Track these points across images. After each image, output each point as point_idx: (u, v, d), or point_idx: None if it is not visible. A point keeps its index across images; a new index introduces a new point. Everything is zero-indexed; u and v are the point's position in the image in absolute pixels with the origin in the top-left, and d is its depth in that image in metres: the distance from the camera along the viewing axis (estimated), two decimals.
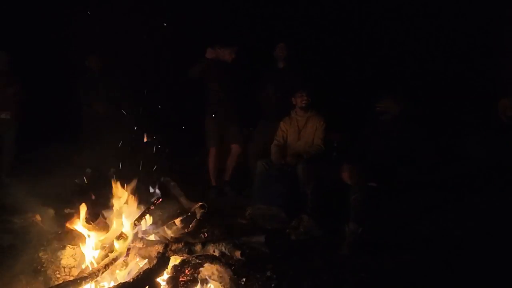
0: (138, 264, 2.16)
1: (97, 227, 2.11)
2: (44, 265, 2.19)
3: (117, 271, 2.11)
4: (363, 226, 2.60)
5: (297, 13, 5.05)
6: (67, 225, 2.14)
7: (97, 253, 2.11)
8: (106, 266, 1.96)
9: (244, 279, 2.13)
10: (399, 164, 2.93)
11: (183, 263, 2.15)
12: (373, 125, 3.24)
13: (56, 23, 4.91)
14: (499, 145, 3.15)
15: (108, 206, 2.43)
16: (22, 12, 4.96)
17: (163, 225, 2.67)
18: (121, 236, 2.06)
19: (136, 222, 2.31)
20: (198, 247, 2.11)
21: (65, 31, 4.90)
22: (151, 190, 2.66)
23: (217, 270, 2.15)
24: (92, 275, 1.88)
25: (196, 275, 2.08)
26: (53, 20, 4.93)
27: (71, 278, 1.98)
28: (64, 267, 2.15)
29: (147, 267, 1.91)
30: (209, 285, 2.07)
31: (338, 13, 4.83)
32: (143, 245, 2.22)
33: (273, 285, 2.12)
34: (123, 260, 2.14)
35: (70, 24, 4.83)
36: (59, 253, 2.19)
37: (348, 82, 4.43)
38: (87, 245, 2.18)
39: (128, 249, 2.13)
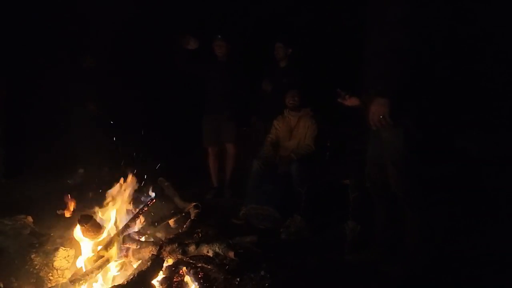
0: (132, 266, 2.15)
1: (90, 229, 2.10)
2: (36, 267, 2.17)
3: (110, 273, 2.11)
4: (362, 224, 2.62)
5: (301, 10, 5.00)
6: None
7: (90, 255, 2.10)
8: (100, 268, 1.96)
9: (238, 279, 2.14)
10: None
11: (177, 264, 2.15)
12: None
13: (52, 22, 4.86)
14: (492, 143, 3.21)
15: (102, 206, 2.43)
16: (14, 9, 4.89)
17: (157, 226, 2.67)
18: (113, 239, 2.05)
19: (129, 223, 2.30)
20: (192, 248, 2.11)
21: (60, 30, 4.85)
22: (149, 192, 2.64)
23: (211, 270, 2.16)
24: (85, 277, 1.87)
25: (190, 275, 2.08)
26: (49, 19, 4.87)
27: (64, 280, 1.97)
28: (57, 269, 2.13)
29: (141, 269, 1.91)
30: (203, 285, 2.07)
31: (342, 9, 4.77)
32: (136, 246, 2.21)
33: (267, 284, 2.13)
34: (117, 262, 2.13)
35: (64, 22, 4.79)
36: (51, 255, 2.17)
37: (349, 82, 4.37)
38: (81, 246, 2.17)
39: (122, 251, 2.12)
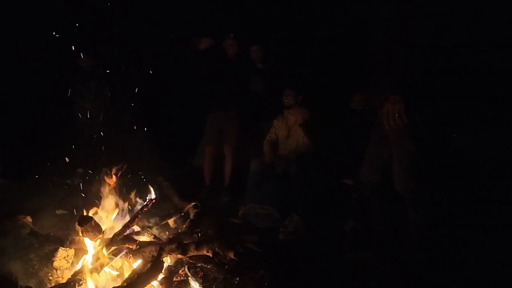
0: (131, 266, 2.15)
1: (89, 230, 2.09)
2: (36, 267, 2.18)
3: (109, 272, 2.11)
4: (362, 224, 2.63)
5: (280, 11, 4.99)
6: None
7: (90, 255, 2.10)
8: (99, 268, 1.96)
9: (237, 279, 2.14)
10: None
11: (176, 264, 2.16)
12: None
13: (48, 21, 4.84)
14: (489, 141, 3.20)
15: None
16: (12, 9, 4.88)
17: (156, 226, 2.67)
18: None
19: (129, 223, 2.30)
20: (191, 247, 2.11)
21: (57, 30, 4.84)
22: (150, 193, 2.63)
23: (210, 270, 2.16)
24: (85, 278, 1.87)
25: (189, 275, 2.09)
26: (45, 18, 4.86)
27: (64, 281, 1.97)
28: (56, 269, 2.13)
29: (140, 270, 1.90)
30: (202, 285, 2.07)
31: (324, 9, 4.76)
32: (136, 246, 2.21)
33: (266, 284, 2.14)
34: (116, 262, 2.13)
35: (62, 22, 4.77)
36: (51, 255, 2.17)
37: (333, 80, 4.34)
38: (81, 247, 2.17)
39: (122, 251, 2.12)
